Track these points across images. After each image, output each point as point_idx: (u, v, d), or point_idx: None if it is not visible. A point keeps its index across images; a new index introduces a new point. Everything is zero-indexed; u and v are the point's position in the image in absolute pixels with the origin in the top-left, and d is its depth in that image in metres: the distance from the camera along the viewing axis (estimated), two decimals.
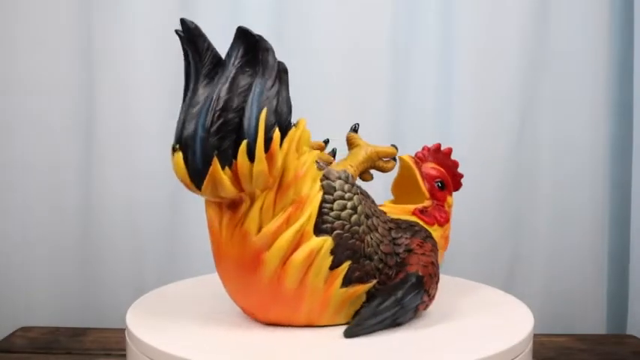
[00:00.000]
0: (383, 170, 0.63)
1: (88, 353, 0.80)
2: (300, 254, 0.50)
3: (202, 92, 0.48)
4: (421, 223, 0.60)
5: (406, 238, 0.57)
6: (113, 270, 0.94)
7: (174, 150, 0.48)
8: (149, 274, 0.94)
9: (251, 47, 0.48)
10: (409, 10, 0.93)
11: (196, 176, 0.48)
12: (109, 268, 0.94)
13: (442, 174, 0.65)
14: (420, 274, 0.54)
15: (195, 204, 0.93)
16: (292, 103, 1.04)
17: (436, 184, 0.64)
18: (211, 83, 0.48)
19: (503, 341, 0.50)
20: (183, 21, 0.48)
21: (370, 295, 0.53)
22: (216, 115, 0.46)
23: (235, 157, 0.47)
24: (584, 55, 0.93)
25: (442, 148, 0.66)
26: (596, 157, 0.94)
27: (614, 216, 0.97)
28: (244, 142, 0.46)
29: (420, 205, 0.62)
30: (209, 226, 0.52)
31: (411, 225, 0.59)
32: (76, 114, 0.93)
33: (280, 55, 1.06)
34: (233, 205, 0.50)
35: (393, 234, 0.57)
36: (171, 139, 1.03)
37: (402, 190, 0.63)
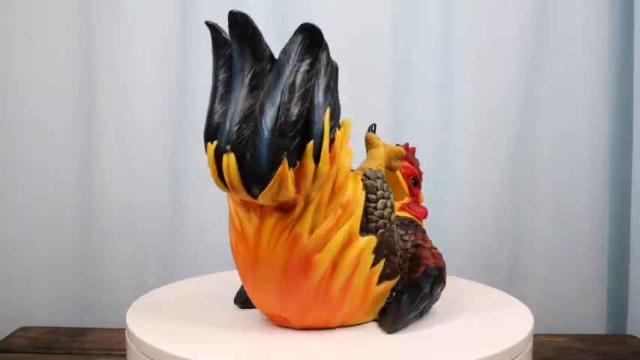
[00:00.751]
0: (394, 169, 0.64)
1: (88, 353, 0.80)
2: (350, 255, 0.50)
3: (254, 91, 0.45)
4: (414, 218, 0.62)
5: (410, 233, 0.58)
6: (113, 270, 0.94)
7: (223, 152, 0.45)
8: (149, 274, 0.94)
9: (314, 45, 0.45)
10: (409, 10, 0.93)
11: (255, 179, 0.45)
12: (109, 268, 0.94)
13: (414, 171, 0.66)
14: (440, 266, 0.56)
15: (195, 204, 0.94)
16: None
17: (411, 181, 0.65)
18: (263, 81, 0.45)
19: (503, 341, 0.50)
20: (233, 13, 0.44)
21: (392, 291, 0.55)
22: (284, 114, 0.44)
23: (299, 158, 0.45)
24: (584, 55, 0.93)
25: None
26: (596, 157, 0.94)
27: (614, 216, 0.97)
28: (311, 143, 0.45)
29: (404, 202, 0.63)
30: (239, 233, 0.50)
31: (410, 221, 0.61)
32: (76, 114, 0.93)
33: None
34: (283, 209, 0.48)
35: (400, 230, 0.58)
36: (171, 139, 1.02)
37: None
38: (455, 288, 0.65)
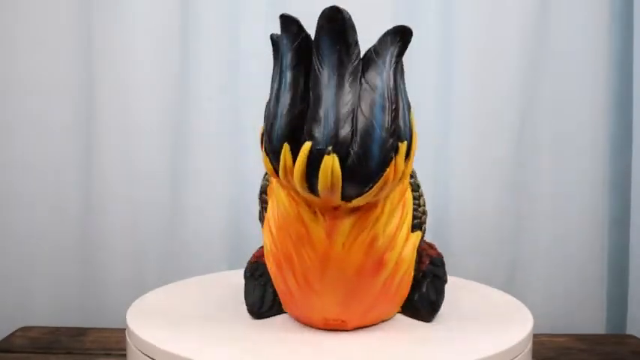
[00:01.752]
0: None
1: (88, 353, 0.80)
2: (408, 251, 0.51)
3: (348, 90, 0.44)
4: None
5: None
6: (113, 270, 0.94)
7: (323, 153, 0.43)
8: (149, 274, 0.94)
9: (405, 46, 0.46)
10: (409, 10, 0.93)
11: (361, 181, 0.44)
12: (109, 267, 0.94)
13: None
14: (441, 255, 0.59)
15: (195, 204, 0.94)
16: None
17: None
18: (356, 81, 0.44)
19: (503, 341, 0.50)
20: (333, 9, 0.43)
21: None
22: (393, 114, 0.44)
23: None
24: (584, 55, 0.93)
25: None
26: (596, 158, 0.94)
27: (614, 215, 0.97)
28: (405, 143, 0.45)
29: None
30: (302, 237, 0.48)
31: None
32: (76, 114, 0.93)
33: None
34: (361, 209, 0.47)
35: None
36: (171, 139, 1.02)
37: None
38: (455, 288, 0.65)
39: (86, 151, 0.94)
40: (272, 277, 0.54)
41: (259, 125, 0.49)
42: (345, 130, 0.43)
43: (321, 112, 0.43)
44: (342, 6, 1.02)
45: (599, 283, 0.96)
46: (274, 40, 0.48)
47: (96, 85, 0.92)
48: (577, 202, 0.95)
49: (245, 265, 0.62)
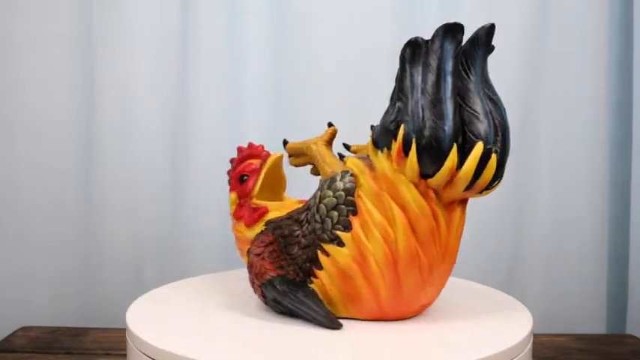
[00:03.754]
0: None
1: (88, 353, 0.80)
2: None
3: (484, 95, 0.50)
4: None
5: None
6: (113, 270, 0.94)
7: (491, 152, 0.48)
8: (149, 274, 0.94)
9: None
10: (409, 10, 0.93)
11: (502, 174, 0.49)
12: (110, 267, 0.94)
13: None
14: None
15: (196, 204, 0.94)
16: (293, 103, 1.04)
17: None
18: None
19: (503, 341, 0.50)
20: (493, 26, 0.50)
21: None
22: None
23: None
24: (584, 55, 0.93)
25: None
26: (595, 158, 0.94)
27: (614, 216, 0.97)
28: None
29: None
30: (434, 232, 0.51)
31: None
32: (77, 113, 0.93)
33: (280, 55, 1.06)
34: (463, 201, 0.52)
35: None
36: (171, 139, 1.02)
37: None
38: (455, 288, 0.65)
39: (86, 150, 0.94)
40: (361, 279, 0.52)
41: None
42: (495, 129, 0.48)
43: (483, 115, 0.48)
44: (341, 7, 1.02)
45: (599, 283, 0.96)
46: (418, 44, 0.52)
47: (96, 85, 0.92)
48: (577, 202, 0.95)
49: (245, 268, 0.61)
